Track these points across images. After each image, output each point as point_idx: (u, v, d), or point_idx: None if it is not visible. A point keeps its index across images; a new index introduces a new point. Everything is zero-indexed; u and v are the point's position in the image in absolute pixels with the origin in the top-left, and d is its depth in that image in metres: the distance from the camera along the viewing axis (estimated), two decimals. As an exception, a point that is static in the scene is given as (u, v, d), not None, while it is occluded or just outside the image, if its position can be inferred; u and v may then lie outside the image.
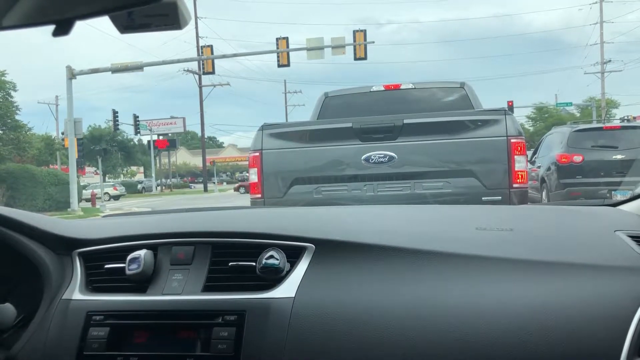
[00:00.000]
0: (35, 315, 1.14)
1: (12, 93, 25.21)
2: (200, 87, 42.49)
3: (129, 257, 1.16)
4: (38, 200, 23.03)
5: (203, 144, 48.25)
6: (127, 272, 1.14)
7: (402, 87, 6.04)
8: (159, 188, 49.58)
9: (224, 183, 58.93)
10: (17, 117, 25.75)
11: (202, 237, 1.20)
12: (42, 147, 37.76)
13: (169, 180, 54.34)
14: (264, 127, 4.67)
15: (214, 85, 40.99)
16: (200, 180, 51.82)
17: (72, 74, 20.80)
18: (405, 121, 4.37)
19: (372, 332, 1.01)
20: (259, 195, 4.60)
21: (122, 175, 51.86)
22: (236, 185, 43.74)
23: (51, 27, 0.66)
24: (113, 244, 1.23)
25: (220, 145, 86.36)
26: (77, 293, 1.17)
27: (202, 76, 39.07)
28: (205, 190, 43.54)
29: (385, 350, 0.99)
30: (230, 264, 1.15)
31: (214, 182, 48.90)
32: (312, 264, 1.13)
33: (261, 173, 4.58)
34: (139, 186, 50.34)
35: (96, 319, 1.11)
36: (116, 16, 0.68)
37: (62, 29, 0.64)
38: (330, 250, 1.15)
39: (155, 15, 0.68)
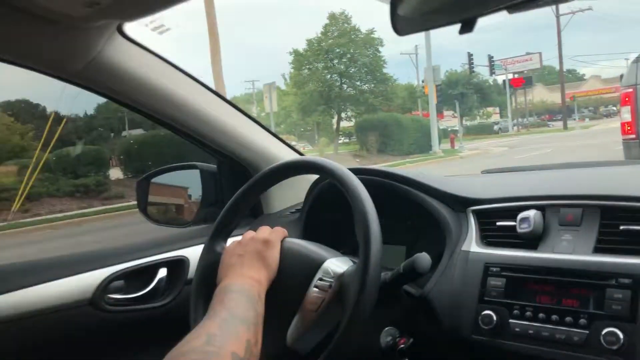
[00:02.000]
0: (439, 262, 1.32)
1: (380, 48, 28.03)
2: (558, 16, 39.53)
3: (519, 217, 1.23)
4: (404, 144, 25.40)
5: (562, 78, 45.09)
6: (518, 230, 1.22)
7: None
8: (515, 128, 48.73)
9: (587, 119, 54.03)
10: (384, 71, 28.61)
11: (590, 200, 1.20)
12: (405, 96, 41.12)
13: (525, 119, 52.82)
14: (639, 59, 4.20)
15: (573, 13, 37.71)
16: (559, 118, 48.81)
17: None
18: None
19: None
20: (634, 136, 4.20)
21: (477, 117, 52.59)
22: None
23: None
24: (503, 203, 1.32)
25: (580, 78, 79.02)
26: (474, 246, 1.30)
27: (560, 4, 36.21)
28: (565, 127, 40.89)
29: None
30: (621, 227, 1.12)
31: (575, 119, 45.45)
32: None
33: (636, 111, 4.16)
34: (495, 127, 50.31)
35: (493, 270, 1.22)
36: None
37: (468, 26, 0.71)
38: None
39: None
